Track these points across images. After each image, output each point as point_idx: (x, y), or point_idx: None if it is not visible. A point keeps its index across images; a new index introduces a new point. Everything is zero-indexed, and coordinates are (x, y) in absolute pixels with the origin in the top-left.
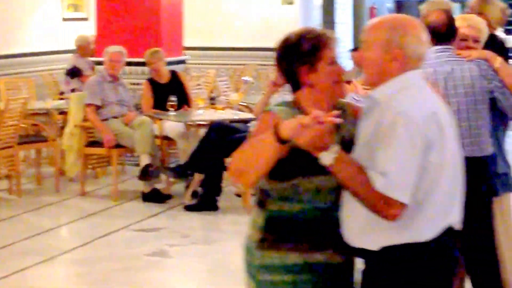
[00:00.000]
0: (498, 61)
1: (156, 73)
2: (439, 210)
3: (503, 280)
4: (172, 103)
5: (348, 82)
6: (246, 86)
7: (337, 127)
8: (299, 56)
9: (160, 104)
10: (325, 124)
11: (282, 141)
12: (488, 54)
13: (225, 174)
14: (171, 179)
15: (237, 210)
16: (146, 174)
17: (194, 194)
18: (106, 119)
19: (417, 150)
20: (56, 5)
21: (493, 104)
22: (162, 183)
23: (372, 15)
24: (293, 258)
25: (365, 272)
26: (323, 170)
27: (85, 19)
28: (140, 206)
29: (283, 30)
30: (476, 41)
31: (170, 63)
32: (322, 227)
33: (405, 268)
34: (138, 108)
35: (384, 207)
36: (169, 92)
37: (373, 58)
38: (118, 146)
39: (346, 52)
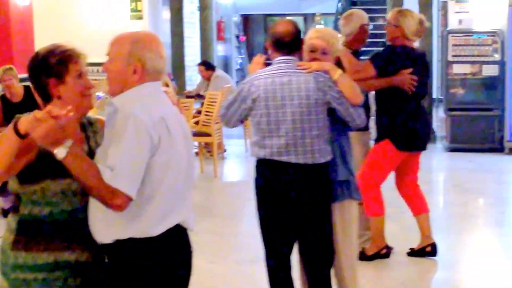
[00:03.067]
0: (337, 73)
1: (9, 91)
2: (166, 207)
3: (339, 277)
4: None
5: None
6: (100, 101)
7: (87, 137)
8: (47, 69)
9: (10, 121)
10: (58, 119)
11: (21, 135)
12: (328, 66)
13: None
14: None
15: None
16: (3, 190)
17: None
18: None
19: (143, 149)
20: None
21: (334, 113)
22: None
23: (219, 29)
24: (44, 257)
25: (106, 267)
26: (68, 173)
27: None
28: (1, 223)
29: None
30: (324, 53)
31: (22, 80)
32: (70, 228)
33: (134, 262)
34: None
35: (110, 197)
36: (21, 111)
37: (116, 70)
38: None
39: (194, 66)
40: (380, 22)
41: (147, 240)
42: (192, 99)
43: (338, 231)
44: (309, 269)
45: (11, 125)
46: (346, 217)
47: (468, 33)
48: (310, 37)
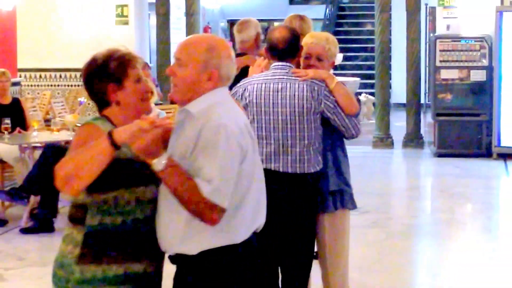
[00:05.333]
0: (334, 81)
1: (2, 93)
2: (250, 214)
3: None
4: (6, 126)
5: None
6: (82, 107)
7: None
8: (107, 75)
9: None
10: (159, 130)
11: (116, 146)
12: (325, 74)
13: (61, 195)
14: (7, 203)
15: None
16: None
17: (32, 216)
18: None
19: (236, 159)
20: None
21: (329, 123)
22: None
23: None
24: (114, 270)
25: (179, 278)
26: (143, 181)
27: None
28: None
29: None
30: (319, 59)
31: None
32: (141, 237)
33: (223, 270)
34: None
35: (207, 212)
36: (9, 114)
37: (188, 76)
38: None
39: None
40: (369, 27)
41: (232, 247)
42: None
43: (329, 242)
44: (285, 280)
45: (104, 137)
46: (338, 228)
47: (456, 38)
48: (305, 43)
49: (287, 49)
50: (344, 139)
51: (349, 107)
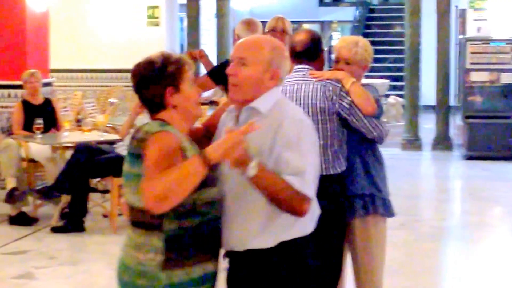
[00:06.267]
0: (349, 82)
1: (33, 93)
2: (315, 205)
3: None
4: (38, 126)
5: (212, 102)
6: (113, 107)
7: None
8: (165, 78)
9: (30, 126)
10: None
11: (210, 166)
12: (341, 75)
13: (91, 195)
14: (38, 202)
15: (104, 231)
16: (12, 197)
17: (63, 216)
18: None
19: (316, 151)
20: None
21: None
22: (29, 206)
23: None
24: (197, 271)
25: (251, 272)
26: (214, 182)
27: None
28: (6, 230)
29: (149, 51)
30: (347, 63)
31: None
32: (212, 237)
33: (298, 260)
34: (3, 131)
35: (300, 204)
36: (41, 114)
37: (253, 75)
38: None
39: None
40: (398, 29)
41: (303, 238)
42: (206, 106)
43: (360, 248)
44: None
45: (197, 158)
46: (370, 234)
47: (486, 40)
48: (335, 47)
49: (304, 52)
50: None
51: (365, 106)
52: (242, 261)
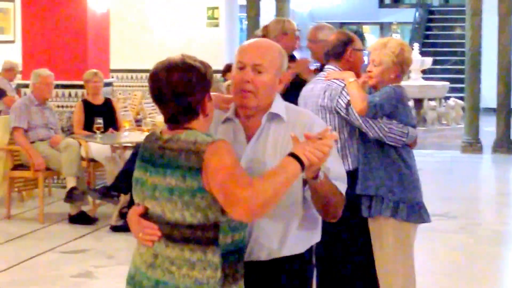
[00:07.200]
0: (347, 81)
1: (95, 93)
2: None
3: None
4: (98, 125)
5: None
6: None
7: None
8: (207, 84)
9: (90, 126)
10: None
11: (303, 167)
12: (345, 74)
13: None
14: (97, 201)
15: None
16: (72, 196)
17: (122, 215)
18: (32, 142)
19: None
20: None
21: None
22: (89, 205)
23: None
24: (242, 286)
25: (278, 278)
26: None
27: (11, 41)
28: (66, 228)
29: (208, 52)
30: (375, 65)
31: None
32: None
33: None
34: (64, 131)
35: (341, 208)
36: (101, 114)
37: (270, 81)
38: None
39: None
40: (458, 31)
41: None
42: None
43: (375, 249)
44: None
45: (292, 161)
46: (381, 235)
47: None
48: (369, 49)
49: (329, 52)
50: (406, 146)
51: (354, 106)
52: (264, 271)
